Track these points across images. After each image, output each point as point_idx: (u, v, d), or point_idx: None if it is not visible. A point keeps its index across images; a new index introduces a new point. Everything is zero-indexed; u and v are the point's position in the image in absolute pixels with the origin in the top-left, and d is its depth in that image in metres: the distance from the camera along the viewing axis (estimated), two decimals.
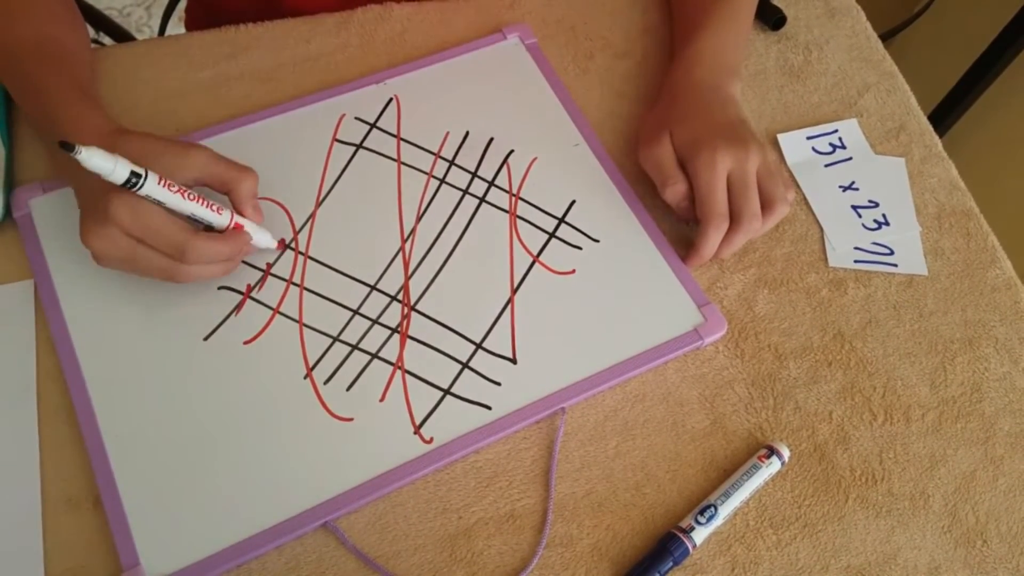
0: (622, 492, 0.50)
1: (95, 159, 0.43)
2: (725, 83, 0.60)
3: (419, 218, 0.58)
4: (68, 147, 0.42)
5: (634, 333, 0.54)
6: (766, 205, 0.55)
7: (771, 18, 0.69)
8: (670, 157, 0.57)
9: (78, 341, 0.51)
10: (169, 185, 0.47)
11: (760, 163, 0.55)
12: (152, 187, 0.46)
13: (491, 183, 0.60)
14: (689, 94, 0.59)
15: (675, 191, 0.56)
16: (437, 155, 0.61)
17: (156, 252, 0.48)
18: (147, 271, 0.49)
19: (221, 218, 0.50)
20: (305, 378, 0.51)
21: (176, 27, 0.96)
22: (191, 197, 0.48)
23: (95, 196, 0.47)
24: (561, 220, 0.58)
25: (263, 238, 0.54)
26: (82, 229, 0.48)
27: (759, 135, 0.64)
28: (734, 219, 0.55)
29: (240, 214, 0.52)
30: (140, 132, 0.51)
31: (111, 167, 0.44)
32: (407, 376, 0.52)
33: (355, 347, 0.52)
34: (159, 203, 0.47)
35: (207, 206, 0.49)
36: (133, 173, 0.45)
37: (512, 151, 0.61)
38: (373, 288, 0.55)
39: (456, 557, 0.48)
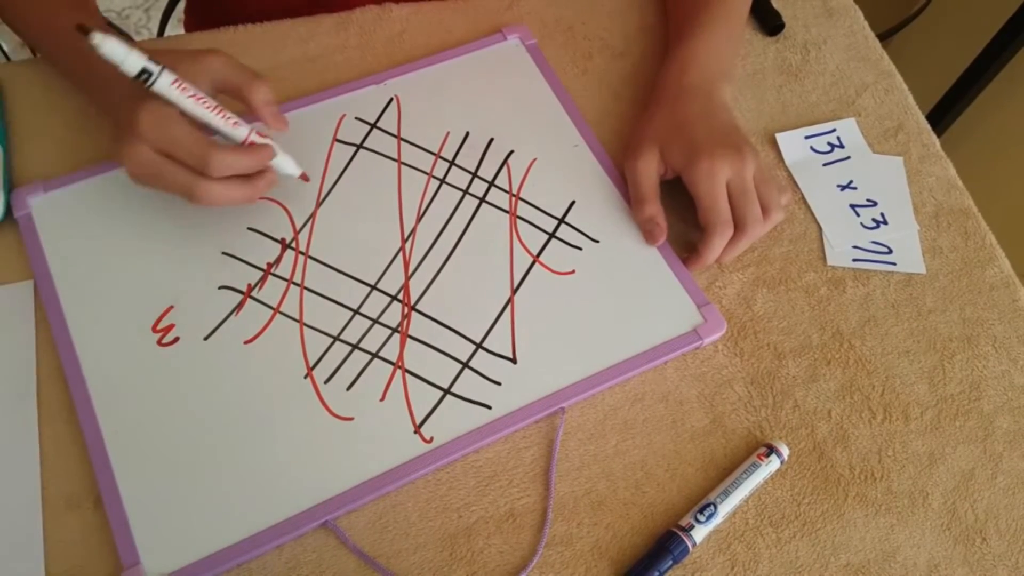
0: (622, 491, 0.50)
1: (109, 44, 0.44)
2: (718, 87, 0.60)
3: (419, 218, 0.58)
4: (85, 31, 0.43)
5: (633, 333, 0.54)
6: (763, 211, 0.55)
7: (770, 24, 0.69)
8: (652, 175, 0.57)
9: (78, 341, 0.51)
10: (184, 88, 0.47)
11: (756, 169, 0.55)
12: (165, 86, 0.46)
13: (491, 183, 0.60)
14: (682, 99, 0.59)
15: (644, 214, 0.57)
16: (437, 155, 0.61)
17: (180, 167, 0.48)
18: (172, 187, 0.49)
19: (237, 131, 0.50)
20: (305, 378, 0.51)
21: (175, 28, 0.96)
22: (206, 105, 0.48)
23: (121, 113, 0.48)
24: (561, 220, 0.58)
25: (286, 162, 0.53)
26: (113, 150, 0.48)
27: (756, 135, 0.64)
28: (738, 226, 0.55)
29: (261, 119, 0.51)
30: (153, 47, 0.50)
31: (123, 55, 0.44)
32: (407, 376, 0.52)
33: (355, 347, 0.53)
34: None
35: (223, 116, 0.49)
36: (145, 69, 0.45)
37: (512, 151, 0.61)
38: (373, 288, 0.55)
39: (456, 556, 0.48)
